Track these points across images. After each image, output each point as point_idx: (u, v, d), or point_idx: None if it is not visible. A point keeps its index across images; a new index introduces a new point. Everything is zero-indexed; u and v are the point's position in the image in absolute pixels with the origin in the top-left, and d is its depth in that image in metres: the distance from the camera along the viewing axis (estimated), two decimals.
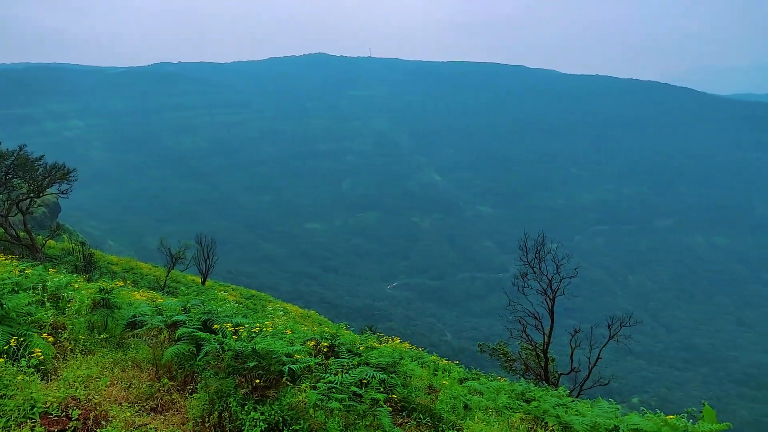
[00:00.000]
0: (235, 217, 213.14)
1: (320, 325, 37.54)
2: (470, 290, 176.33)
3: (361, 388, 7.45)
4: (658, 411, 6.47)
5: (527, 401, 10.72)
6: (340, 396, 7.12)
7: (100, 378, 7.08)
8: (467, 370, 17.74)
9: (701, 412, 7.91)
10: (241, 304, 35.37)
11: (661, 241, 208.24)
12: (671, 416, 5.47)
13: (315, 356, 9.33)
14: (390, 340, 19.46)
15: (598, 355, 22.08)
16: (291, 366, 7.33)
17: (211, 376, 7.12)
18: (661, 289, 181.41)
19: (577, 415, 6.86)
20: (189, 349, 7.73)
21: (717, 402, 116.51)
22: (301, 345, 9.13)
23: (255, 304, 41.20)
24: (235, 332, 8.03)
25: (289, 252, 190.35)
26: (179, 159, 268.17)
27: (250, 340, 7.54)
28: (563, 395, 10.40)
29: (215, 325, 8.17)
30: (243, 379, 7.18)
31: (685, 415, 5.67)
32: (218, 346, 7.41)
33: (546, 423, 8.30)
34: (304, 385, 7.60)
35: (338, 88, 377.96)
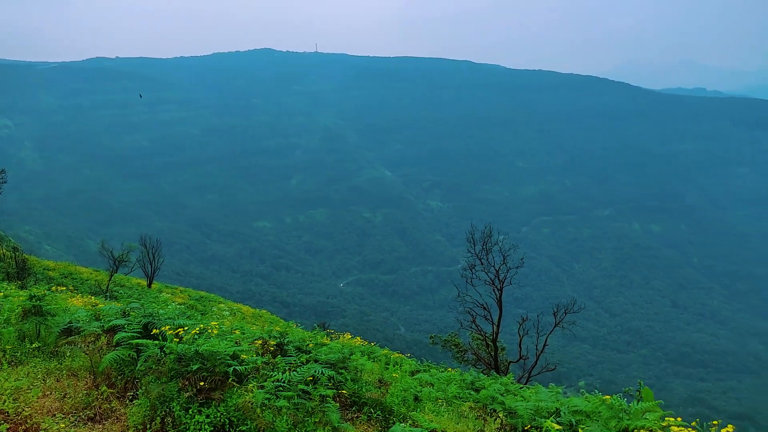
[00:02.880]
0: (181, 218, 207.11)
1: (272, 324, 37.02)
2: (422, 283, 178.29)
3: (310, 386, 7.38)
4: (596, 391, 6.72)
5: (477, 390, 10.91)
6: (288, 394, 7.03)
7: (30, 389, 6.71)
8: (419, 363, 17.90)
9: (638, 391, 8.26)
10: (185, 304, 34.42)
11: (601, 229, 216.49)
12: (608, 396, 5.69)
13: (262, 355, 9.18)
14: (342, 336, 19.41)
15: (545, 342, 22.74)
16: (236, 367, 7.19)
17: (153, 380, 6.88)
18: (604, 275, 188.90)
19: (521, 400, 7.04)
20: (129, 355, 7.44)
21: (656, 380, 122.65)
22: (249, 345, 8.97)
23: (204, 306, 40.24)
24: (178, 335, 7.79)
25: (238, 251, 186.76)
26: (118, 158, 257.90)
27: (194, 342, 7.34)
28: (509, 382, 10.65)
29: (155, 329, 7.90)
30: (187, 383, 6.98)
31: (622, 395, 5.91)
32: (159, 350, 7.17)
33: (494, 410, 8.47)
34: (251, 385, 7.45)
35: (284, 84, 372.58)
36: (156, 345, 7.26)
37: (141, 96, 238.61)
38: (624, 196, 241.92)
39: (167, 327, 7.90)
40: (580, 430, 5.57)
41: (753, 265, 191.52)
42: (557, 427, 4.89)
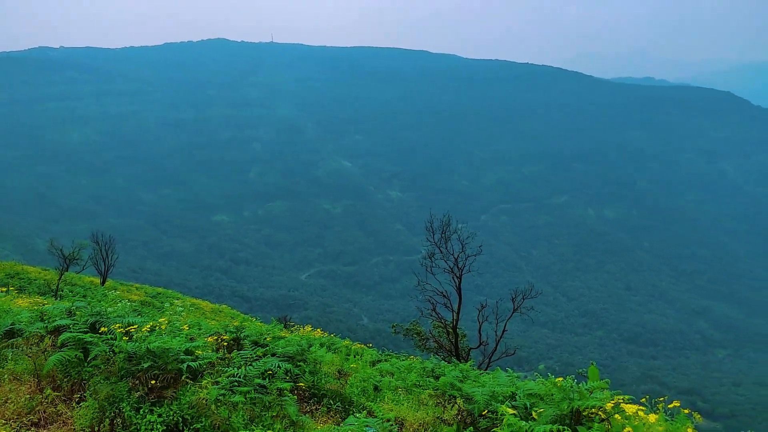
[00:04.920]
0: (136, 213, 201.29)
1: (232, 319, 36.51)
2: (384, 273, 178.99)
3: (266, 380, 7.28)
4: (549, 375, 6.86)
5: (436, 378, 11.01)
6: (244, 389, 6.91)
7: None
8: (380, 353, 17.96)
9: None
10: (140, 301, 33.52)
11: (558, 216, 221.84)
12: (560, 378, 5.82)
13: (218, 351, 9.01)
14: (302, 328, 19.29)
15: (504, 327, 23.13)
16: (190, 363, 7.02)
17: (101, 381, 6.64)
18: (561, 261, 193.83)
19: (479, 386, 7.13)
20: (75, 355, 7.16)
21: (611, 361, 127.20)
22: (204, 340, 8.78)
23: (162, 302, 39.30)
24: (128, 333, 7.55)
25: (196, 246, 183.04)
26: (67, 153, 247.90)
27: (145, 340, 7.13)
28: (468, 368, 10.80)
29: (103, 328, 7.62)
30: (137, 382, 6.77)
31: (574, 376, 6.05)
32: (108, 349, 6.93)
33: (452, 397, 8.57)
34: (205, 381, 7.30)
35: (240, 75, 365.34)
36: (105, 343, 7.01)
37: None
38: (579, 184, 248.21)
39: (117, 325, 7.64)
40: (534, 412, 5.67)
41: (698, 247, 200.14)
42: (511, 411, 4.97)
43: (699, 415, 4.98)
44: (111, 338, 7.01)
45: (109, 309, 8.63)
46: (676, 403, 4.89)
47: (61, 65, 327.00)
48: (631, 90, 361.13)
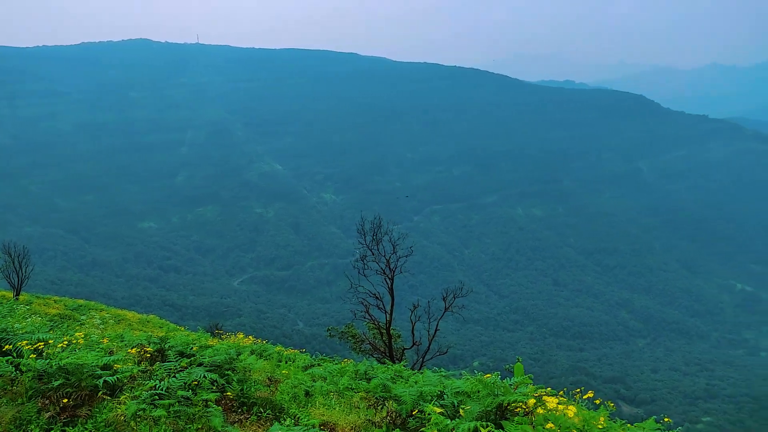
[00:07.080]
0: (53, 222, 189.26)
1: (160, 329, 35.04)
2: (319, 277, 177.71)
3: (191, 391, 7.01)
4: (476, 372, 7.02)
5: (369, 380, 11.01)
6: (166, 402, 6.62)
7: None
8: (313, 357, 17.80)
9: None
10: (59, 315, 31.53)
11: (488, 215, 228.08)
12: (488, 375, 5.95)
13: (140, 363, 8.60)
14: (233, 336, 18.80)
15: (436, 326, 23.50)
16: (107, 378, 6.65)
17: (6, 403, 6.16)
18: (492, 259, 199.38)
19: (407, 387, 7.18)
20: None
21: (541, 354, 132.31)
22: (125, 353, 8.37)
23: (83, 315, 37.10)
24: (37, 350, 7.05)
25: (121, 255, 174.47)
26: None
27: (56, 356, 6.68)
28: (401, 369, 10.87)
29: (7, 346, 7.08)
30: (48, 401, 6.35)
31: (499, 372, 6.22)
32: (13, 369, 6.44)
33: (383, 398, 8.59)
34: (124, 396, 6.93)
35: (165, 76, 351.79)
36: (10, 362, 6.51)
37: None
38: (508, 183, 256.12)
39: (24, 342, 7.12)
40: (461, 410, 5.76)
41: (618, 242, 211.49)
42: (438, 410, 5.03)
43: (612, 404, 5.25)
44: (16, 356, 6.52)
45: (17, 325, 8.03)
46: (590, 394, 5.15)
47: None
48: (553, 92, 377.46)
